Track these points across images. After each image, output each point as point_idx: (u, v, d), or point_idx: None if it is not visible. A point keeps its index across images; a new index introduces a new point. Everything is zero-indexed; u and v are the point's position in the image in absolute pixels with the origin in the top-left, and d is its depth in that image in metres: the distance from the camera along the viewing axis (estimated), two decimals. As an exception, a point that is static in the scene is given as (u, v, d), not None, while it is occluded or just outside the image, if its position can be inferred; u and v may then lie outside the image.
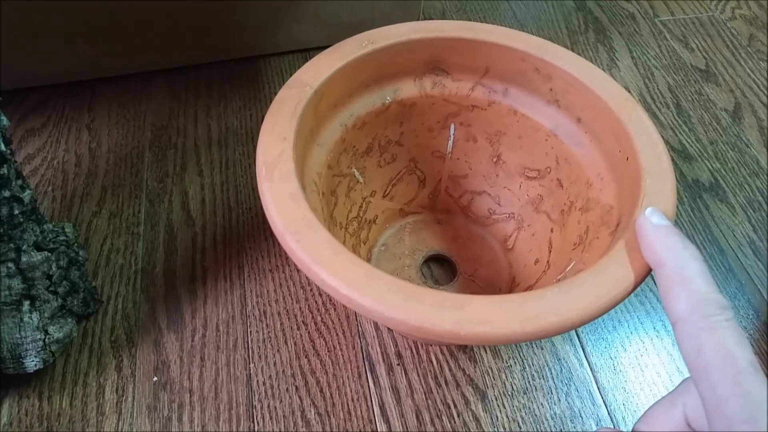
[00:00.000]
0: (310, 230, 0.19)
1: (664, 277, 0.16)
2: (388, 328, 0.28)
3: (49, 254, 0.23)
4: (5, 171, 0.21)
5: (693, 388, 0.15)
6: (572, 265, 0.24)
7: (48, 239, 0.23)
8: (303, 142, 0.23)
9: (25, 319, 0.22)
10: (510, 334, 0.17)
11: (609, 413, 0.25)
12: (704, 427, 0.14)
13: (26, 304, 0.22)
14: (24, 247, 0.22)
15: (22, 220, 0.22)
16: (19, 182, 0.22)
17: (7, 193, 0.21)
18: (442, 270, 0.30)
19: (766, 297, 0.30)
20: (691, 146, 0.38)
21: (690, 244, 0.16)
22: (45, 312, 0.23)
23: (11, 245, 0.22)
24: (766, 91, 0.42)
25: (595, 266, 0.19)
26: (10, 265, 0.22)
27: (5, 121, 0.21)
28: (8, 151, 0.21)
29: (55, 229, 0.24)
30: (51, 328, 0.23)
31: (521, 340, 0.18)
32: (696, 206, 0.34)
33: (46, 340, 0.23)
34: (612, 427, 0.24)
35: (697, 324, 0.14)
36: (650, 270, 0.19)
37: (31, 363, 0.23)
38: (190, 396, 0.25)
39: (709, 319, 0.14)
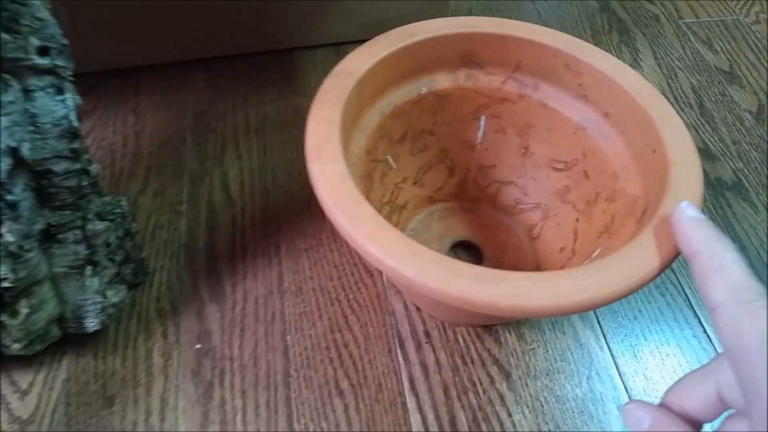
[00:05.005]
0: (357, 206, 0.21)
1: (700, 266, 0.16)
2: (417, 308, 0.29)
3: (110, 224, 0.25)
4: (77, 145, 0.23)
5: (728, 368, 0.15)
6: (598, 251, 0.25)
7: (107, 210, 0.25)
8: (346, 128, 0.25)
9: (87, 282, 0.24)
10: (543, 308, 0.18)
11: (630, 398, 0.26)
12: (738, 404, 0.15)
13: (89, 269, 0.24)
14: (89, 216, 0.24)
15: (88, 191, 0.24)
16: (87, 156, 0.24)
17: (78, 166, 0.23)
18: (469, 256, 0.31)
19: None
20: (714, 146, 0.38)
21: (724, 236, 0.16)
22: (104, 277, 0.25)
23: (78, 214, 0.23)
24: (790, 95, 0.42)
25: (622, 250, 0.20)
26: (77, 232, 0.23)
27: (79, 99, 0.23)
28: (79, 128, 0.23)
29: (112, 202, 0.26)
30: (109, 293, 0.25)
31: (554, 314, 0.19)
32: (718, 204, 0.35)
33: (105, 303, 0.25)
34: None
35: (736, 309, 0.14)
36: (677, 254, 0.20)
37: (91, 324, 0.25)
38: (231, 363, 0.26)
39: (749, 305, 0.14)
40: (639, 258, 0.20)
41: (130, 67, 0.39)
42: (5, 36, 0.20)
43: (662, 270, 0.20)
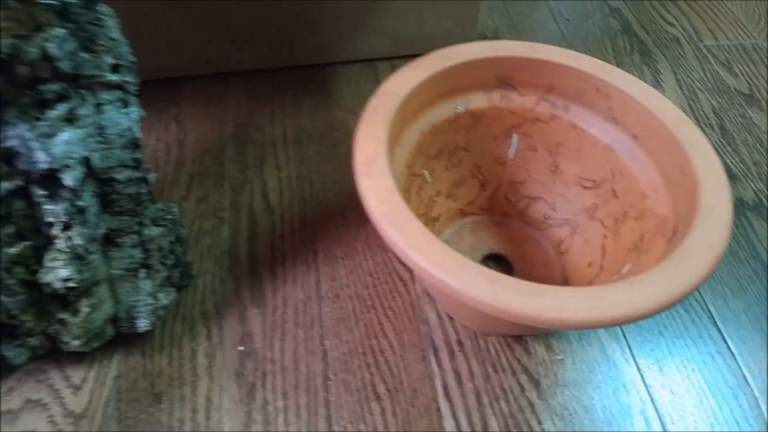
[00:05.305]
0: (405, 220, 0.22)
1: None
2: (449, 317, 0.30)
3: (163, 229, 0.26)
4: (139, 155, 0.24)
5: None
6: (628, 268, 0.26)
7: (160, 216, 0.27)
8: (391, 145, 0.26)
9: (141, 285, 0.26)
10: (585, 321, 0.20)
11: (656, 411, 0.27)
12: None
13: (143, 271, 0.25)
14: (145, 222, 0.25)
15: (145, 198, 0.25)
16: (145, 165, 0.25)
17: (138, 174, 0.24)
18: (499, 268, 0.32)
19: (806, 313, 0.32)
20: (736, 166, 0.39)
21: None
22: (156, 280, 0.26)
23: (136, 219, 0.25)
24: (809, 118, 0.43)
25: (658, 266, 0.21)
26: (134, 236, 0.25)
27: (142, 112, 0.24)
28: (141, 138, 0.24)
29: (164, 208, 0.28)
30: (159, 295, 0.26)
31: (594, 327, 0.20)
32: (740, 223, 0.36)
33: (156, 305, 0.26)
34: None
35: None
36: (711, 273, 0.21)
37: (143, 324, 0.26)
38: (273, 366, 0.28)
39: None
40: (675, 275, 0.21)
41: (172, 77, 0.41)
42: (84, 55, 0.21)
43: (697, 287, 0.21)
